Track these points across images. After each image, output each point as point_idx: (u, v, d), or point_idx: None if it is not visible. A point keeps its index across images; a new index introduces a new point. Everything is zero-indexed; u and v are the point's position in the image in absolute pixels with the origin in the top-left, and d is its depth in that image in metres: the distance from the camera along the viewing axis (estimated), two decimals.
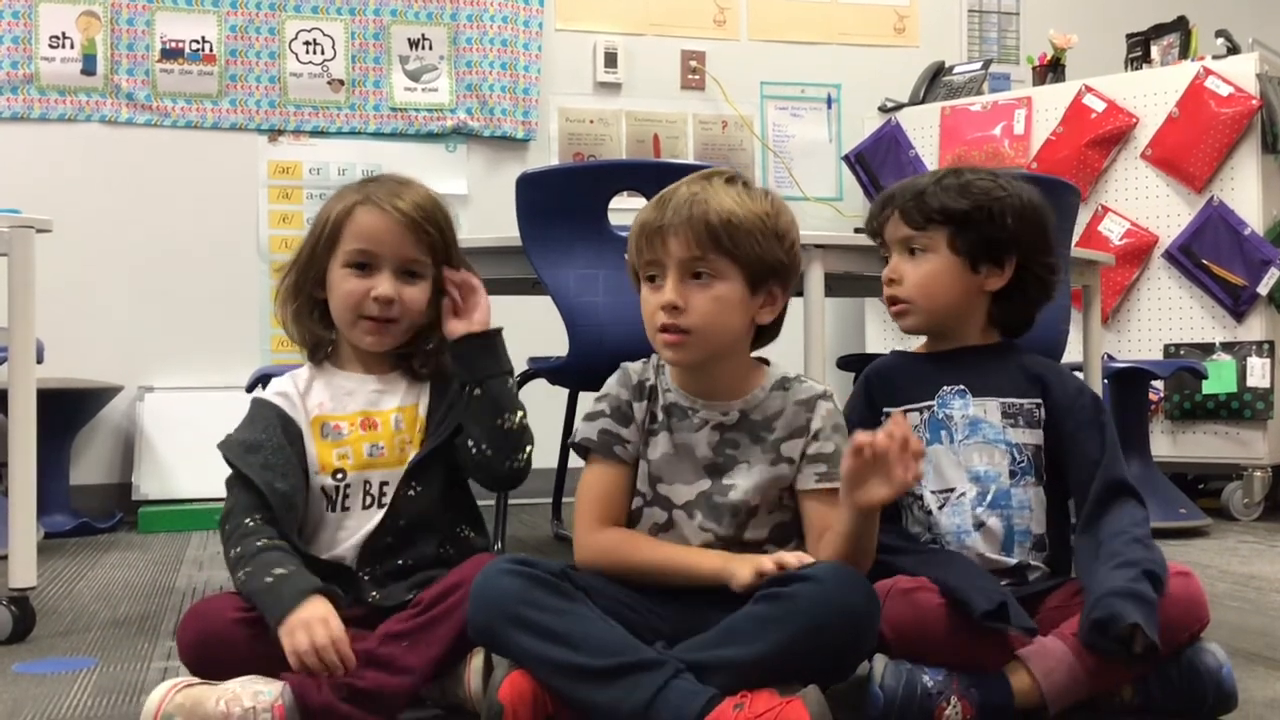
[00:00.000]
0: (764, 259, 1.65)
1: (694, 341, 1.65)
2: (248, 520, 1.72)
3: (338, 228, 1.82)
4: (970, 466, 1.78)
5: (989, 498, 1.76)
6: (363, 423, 1.82)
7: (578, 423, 1.80)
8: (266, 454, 1.77)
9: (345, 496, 1.79)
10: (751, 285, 1.66)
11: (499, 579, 1.55)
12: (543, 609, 1.51)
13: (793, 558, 1.54)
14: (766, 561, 1.55)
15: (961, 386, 1.82)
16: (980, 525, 1.75)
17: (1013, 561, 1.74)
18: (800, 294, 2.47)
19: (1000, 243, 1.81)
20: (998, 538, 1.75)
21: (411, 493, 1.79)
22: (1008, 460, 1.77)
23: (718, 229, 1.62)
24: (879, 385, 1.89)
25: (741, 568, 1.57)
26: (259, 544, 1.68)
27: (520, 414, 1.80)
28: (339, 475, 1.80)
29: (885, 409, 1.86)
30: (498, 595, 1.53)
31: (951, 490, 1.77)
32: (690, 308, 1.64)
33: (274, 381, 1.90)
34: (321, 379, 1.87)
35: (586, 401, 1.83)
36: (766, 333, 1.75)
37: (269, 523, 1.71)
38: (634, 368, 1.79)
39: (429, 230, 1.82)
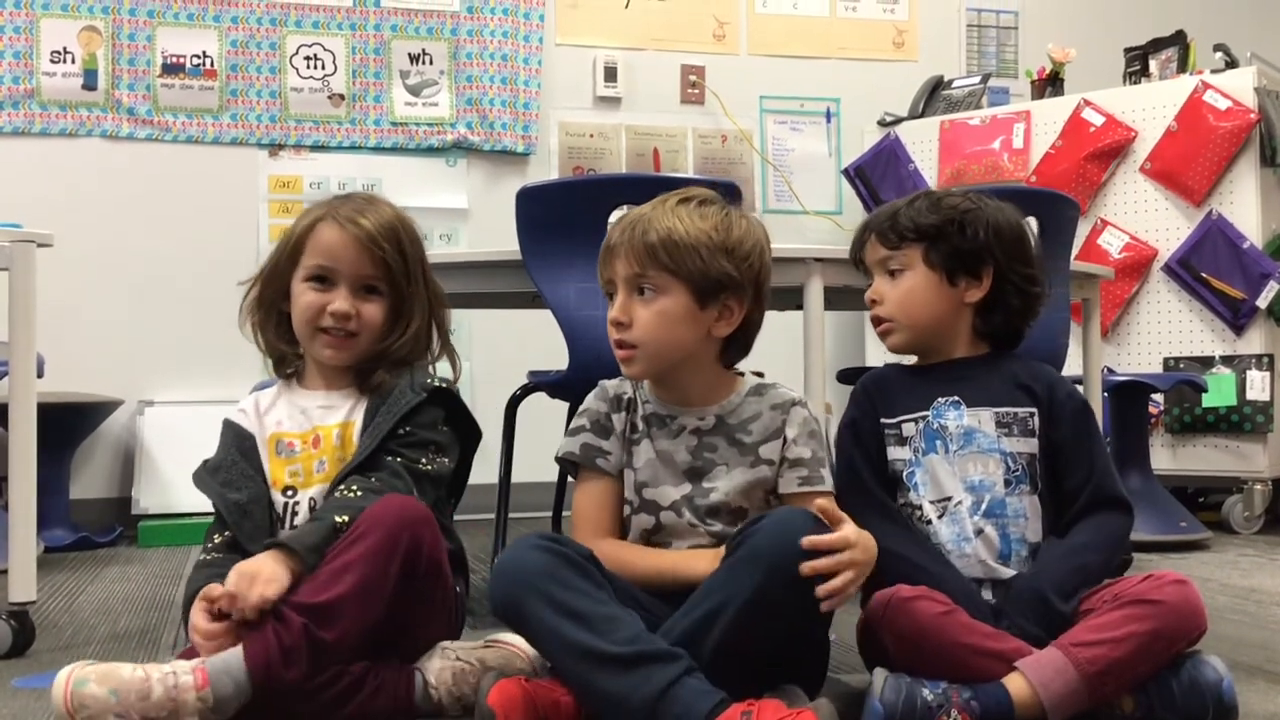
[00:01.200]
0: (708, 273, 1.70)
1: (642, 354, 1.72)
2: (208, 543, 1.82)
3: (300, 242, 1.87)
4: (966, 476, 1.80)
5: (984, 506, 1.77)
6: (313, 440, 1.85)
7: (562, 438, 1.83)
8: (224, 471, 1.84)
9: (294, 514, 1.82)
10: (699, 299, 1.71)
11: (527, 553, 1.55)
12: (568, 587, 1.52)
13: None
14: None
15: (956, 398, 1.84)
16: (979, 532, 1.77)
17: (1010, 573, 1.74)
18: (800, 307, 2.48)
19: (974, 254, 1.84)
20: (995, 546, 1.76)
21: None
22: (1002, 469, 1.79)
23: (656, 246, 1.69)
24: (877, 394, 1.91)
25: None
26: (199, 561, 1.79)
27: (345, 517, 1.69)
28: (289, 492, 1.83)
29: (882, 419, 1.88)
30: (524, 568, 1.54)
31: (949, 499, 1.79)
32: (635, 322, 1.71)
33: (242, 399, 1.95)
34: (285, 397, 1.91)
35: None
36: (734, 346, 1.78)
37: (225, 540, 1.80)
38: (611, 383, 1.83)
39: (387, 249, 1.85)
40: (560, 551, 1.55)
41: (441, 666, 1.69)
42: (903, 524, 1.81)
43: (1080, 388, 2.87)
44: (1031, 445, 1.81)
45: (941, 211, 1.85)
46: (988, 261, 1.85)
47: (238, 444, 1.87)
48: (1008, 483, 1.79)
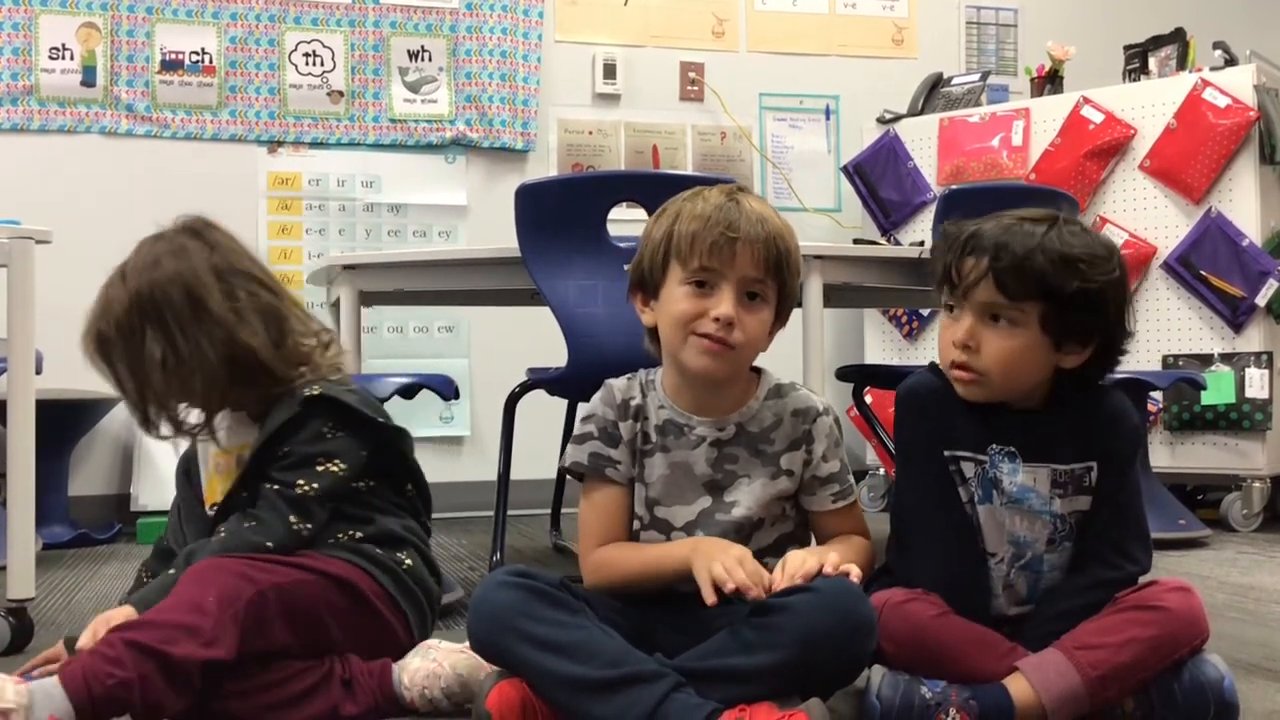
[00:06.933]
0: (794, 294, 1.70)
1: (734, 357, 1.66)
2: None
3: None
4: (1012, 531, 1.71)
5: (1023, 561, 1.71)
6: (224, 459, 1.87)
7: (568, 445, 1.78)
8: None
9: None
10: (776, 314, 1.70)
11: (497, 591, 1.54)
12: (542, 621, 1.51)
13: (761, 582, 1.51)
14: (723, 574, 1.50)
15: (1012, 448, 1.71)
16: (1009, 586, 1.71)
17: (1026, 609, 1.72)
18: (799, 305, 2.48)
19: (1092, 328, 1.68)
20: (1019, 595, 1.72)
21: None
22: (1049, 530, 1.71)
23: (782, 255, 1.65)
24: (939, 415, 1.73)
25: (703, 566, 1.53)
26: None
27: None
28: (213, 508, 1.84)
29: (945, 451, 1.72)
30: (497, 608, 1.53)
31: (992, 555, 1.72)
32: (743, 326, 1.64)
33: None
34: (230, 412, 1.89)
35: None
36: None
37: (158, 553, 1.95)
38: (619, 385, 1.77)
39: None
40: (529, 585, 1.54)
41: (417, 667, 1.71)
42: (979, 564, 1.72)
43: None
44: (1085, 502, 1.72)
45: (1080, 275, 1.63)
46: (1099, 334, 1.70)
47: (184, 463, 1.96)
48: (1051, 541, 1.71)
